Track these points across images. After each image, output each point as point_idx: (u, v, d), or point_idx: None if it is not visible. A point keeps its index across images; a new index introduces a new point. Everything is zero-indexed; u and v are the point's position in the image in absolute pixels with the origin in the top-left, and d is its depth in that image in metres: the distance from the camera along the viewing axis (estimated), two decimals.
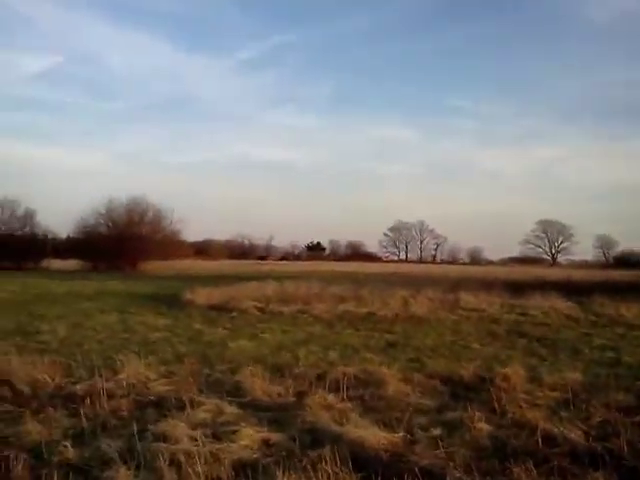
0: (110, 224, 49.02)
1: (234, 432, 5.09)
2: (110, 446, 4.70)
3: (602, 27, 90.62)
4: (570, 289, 20.24)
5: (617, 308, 15.71)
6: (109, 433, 5.17)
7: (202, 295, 17.55)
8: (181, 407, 5.83)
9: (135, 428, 5.09)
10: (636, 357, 9.53)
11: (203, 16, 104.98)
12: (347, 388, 6.63)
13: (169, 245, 50.06)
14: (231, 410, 5.83)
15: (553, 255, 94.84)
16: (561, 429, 5.24)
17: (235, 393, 6.56)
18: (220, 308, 15.79)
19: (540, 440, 5.01)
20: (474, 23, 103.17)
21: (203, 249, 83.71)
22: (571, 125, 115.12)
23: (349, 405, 6.08)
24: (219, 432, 5.15)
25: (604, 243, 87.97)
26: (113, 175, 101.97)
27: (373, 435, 4.98)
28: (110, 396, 6.18)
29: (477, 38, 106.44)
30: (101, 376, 6.72)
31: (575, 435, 5.14)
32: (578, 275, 33.51)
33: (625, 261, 72.74)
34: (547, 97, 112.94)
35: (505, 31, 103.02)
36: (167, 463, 4.25)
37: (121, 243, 44.89)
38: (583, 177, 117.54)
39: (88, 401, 5.95)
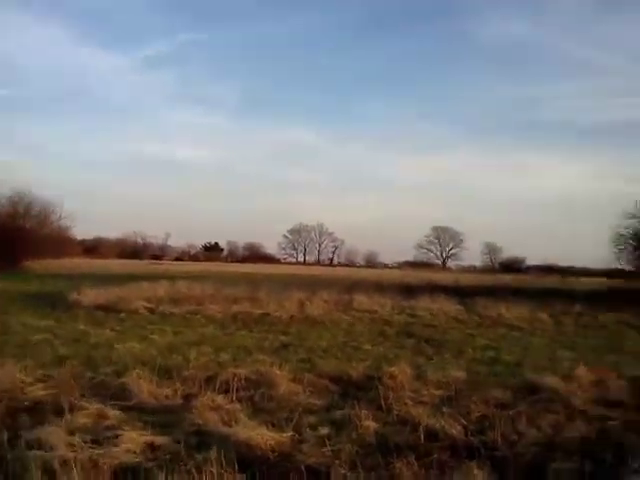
0: None
1: (116, 437, 4.90)
2: None
3: (496, 47, 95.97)
4: (458, 292, 21.25)
5: (499, 310, 16.66)
6: None
7: (89, 295, 16.77)
8: (59, 412, 5.53)
9: (5, 436, 4.76)
10: (514, 356, 10.15)
11: (109, 9, 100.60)
12: (237, 389, 6.58)
13: (56, 241, 47.16)
14: (114, 414, 5.61)
15: (444, 260, 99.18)
16: (442, 424, 5.47)
17: (120, 396, 6.31)
18: (108, 309, 15.14)
19: (422, 435, 5.22)
20: (379, 38, 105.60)
21: (93, 247, 79.92)
22: (467, 137, 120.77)
23: (238, 406, 6.02)
24: (100, 437, 4.94)
25: (491, 250, 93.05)
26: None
27: (261, 436, 4.97)
28: None
29: (390, 52, 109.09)
30: None
31: (455, 430, 5.40)
32: (466, 279, 35.27)
33: (508, 266, 77.40)
34: (447, 110, 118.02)
35: (415, 45, 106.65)
36: (40, 472, 4.01)
37: (1, 237, 41.73)
38: (475, 187, 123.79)
39: None
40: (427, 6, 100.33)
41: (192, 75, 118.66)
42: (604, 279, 29.29)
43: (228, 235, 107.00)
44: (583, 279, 40.73)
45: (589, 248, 77.30)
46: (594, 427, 5.63)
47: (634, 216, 23.19)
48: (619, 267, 25.95)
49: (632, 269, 24.97)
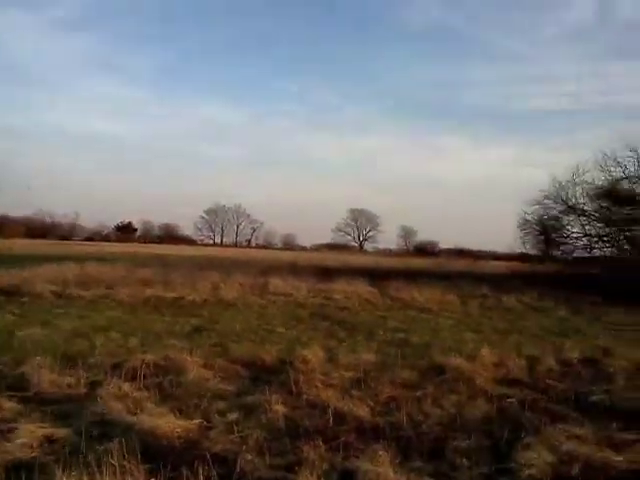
0: None
1: (11, 430, 4.65)
2: None
3: (417, 32, 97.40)
4: (373, 275, 21.67)
5: (411, 292, 17.13)
6: None
7: None
8: None
9: None
10: (422, 337, 10.48)
11: None
12: (145, 376, 6.41)
13: None
14: (10, 406, 5.32)
15: (361, 242, 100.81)
16: (351, 407, 5.57)
17: (18, 387, 6.00)
18: (10, 292, 14.29)
19: (331, 418, 5.28)
20: (301, 17, 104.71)
21: None
22: (388, 119, 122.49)
23: (146, 394, 5.86)
24: None
25: (406, 233, 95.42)
26: None
27: (168, 423, 4.87)
28: None
29: (304, 29, 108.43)
30: None
31: (363, 412, 5.52)
32: (381, 262, 36.03)
33: (423, 250, 79.86)
34: (366, 91, 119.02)
35: (334, 26, 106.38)
36: None
37: None
38: (394, 169, 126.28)
39: None
40: None
41: (105, 43, 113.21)
42: (510, 263, 30.70)
43: (143, 214, 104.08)
44: (492, 262, 42.67)
45: (499, 232, 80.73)
46: (494, 406, 5.90)
47: (538, 202, 24.35)
48: (524, 251, 27.20)
49: (536, 253, 26.27)
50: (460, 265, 35.95)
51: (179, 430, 4.81)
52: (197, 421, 5.08)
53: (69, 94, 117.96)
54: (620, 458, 4.47)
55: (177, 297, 14.68)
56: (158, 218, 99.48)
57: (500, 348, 8.70)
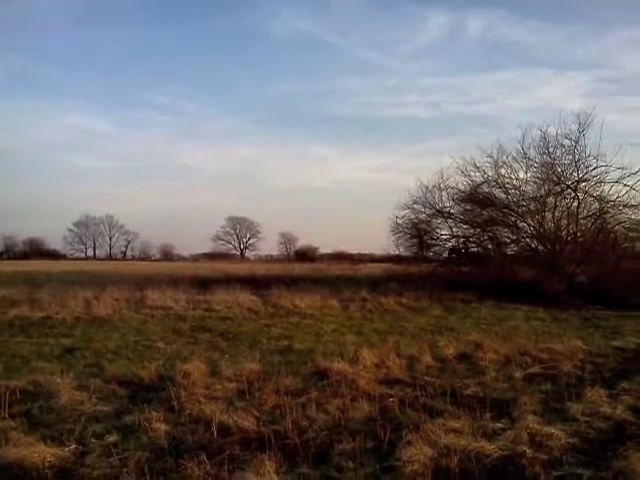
0: None
1: None
2: None
3: (282, 41, 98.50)
4: (254, 283, 21.56)
5: (293, 299, 17.23)
6: None
7: None
8: None
9: None
10: (305, 344, 10.58)
11: None
12: (10, 404, 5.91)
13: None
14: None
15: (242, 250, 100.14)
16: (235, 419, 5.48)
17: None
18: None
19: (215, 432, 5.17)
20: (173, 26, 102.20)
21: None
22: (261, 129, 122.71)
23: (11, 423, 5.41)
24: None
25: (286, 239, 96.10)
26: None
27: (37, 453, 4.53)
28: None
29: (175, 40, 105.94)
30: None
31: (248, 422, 5.44)
32: (262, 269, 35.98)
33: (303, 255, 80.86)
34: (239, 100, 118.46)
35: (206, 37, 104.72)
36: None
37: None
38: (271, 177, 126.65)
39: None
40: None
41: None
42: (386, 265, 31.88)
43: (5, 228, 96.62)
44: (369, 265, 44.10)
45: (375, 236, 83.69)
46: (376, 406, 6.07)
47: (407, 207, 25.48)
48: (398, 253, 28.31)
49: (408, 255, 27.44)
50: (339, 269, 36.80)
51: (51, 459, 4.49)
52: (71, 447, 4.77)
53: None
54: (493, 446, 4.76)
55: (45, 316, 13.69)
56: (21, 232, 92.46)
57: (381, 349, 8.96)
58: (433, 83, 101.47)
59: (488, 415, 5.72)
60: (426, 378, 7.50)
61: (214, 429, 5.21)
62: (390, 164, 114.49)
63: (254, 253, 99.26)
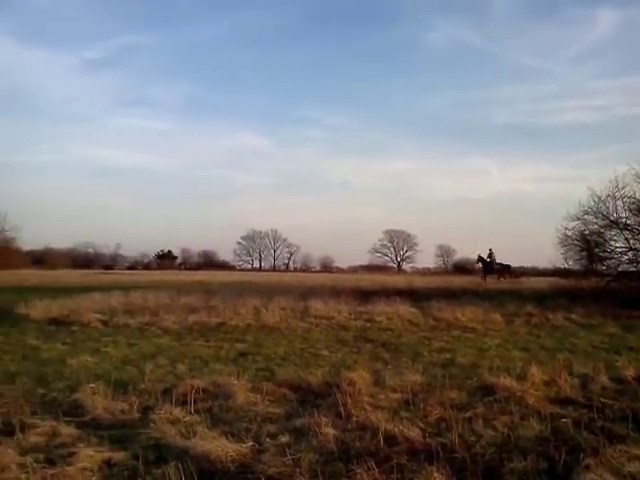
0: None
1: (71, 455, 4.77)
2: None
3: (437, 52, 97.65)
4: (413, 295, 21.47)
5: (453, 312, 16.88)
6: None
7: (39, 308, 16.24)
8: (10, 432, 5.35)
9: None
10: (468, 358, 10.33)
11: (45, 8, 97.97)
12: (195, 401, 6.48)
13: (1, 253, 45.86)
14: (69, 431, 5.46)
15: (399, 263, 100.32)
16: (401, 428, 5.52)
17: (74, 413, 6.15)
18: (59, 322, 14.72)
19: (382, 440, 5.25)
20: (326, 42, 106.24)
21: (42, 258, 77.85)
22: (416, 141, 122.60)
23: (197, 418, 5.95)
24: (54, 456, 4.80)
25: (444, 251, 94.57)
26: None
27: (220, 447, 4.91)
28: None
29: (328, 56, 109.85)
30: None
31: (413, 433, 5.45)
32: (420, 282, 35.71)
33: (461, 267, 78.84)
34: (394, 114, 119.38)
35: (354, 51, 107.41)
36: None
37: None
38: (427, 190, 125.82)
39: None
40: (370, 9, 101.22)
41: (134, 79, 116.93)
42: (551, 279, 30.02)
43: (183, 243, 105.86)
44: (533, 279, 41.85)
45: (537, 248, 79.12)
46: (548, 426, 5.78)
47: (577, 218, 23.85)
48: (566, 267, 26.56)
49: (579, 269, 25.64)
50: (502, 283, 35.37)
51: (232, 453, 4.85)
52: (249, 444, 5.11)
53: (99, 129, 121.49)
54: None
55: (221, 322, 14.82)
56: (196, 245, 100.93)
57: (550, 366, 8.51)
58: (599, 86, 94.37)
59: None
60: (602, 400, 6.98)
61: (380, 437, 5.29)
62: (551, 174, 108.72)
63: (411, 265, 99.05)
